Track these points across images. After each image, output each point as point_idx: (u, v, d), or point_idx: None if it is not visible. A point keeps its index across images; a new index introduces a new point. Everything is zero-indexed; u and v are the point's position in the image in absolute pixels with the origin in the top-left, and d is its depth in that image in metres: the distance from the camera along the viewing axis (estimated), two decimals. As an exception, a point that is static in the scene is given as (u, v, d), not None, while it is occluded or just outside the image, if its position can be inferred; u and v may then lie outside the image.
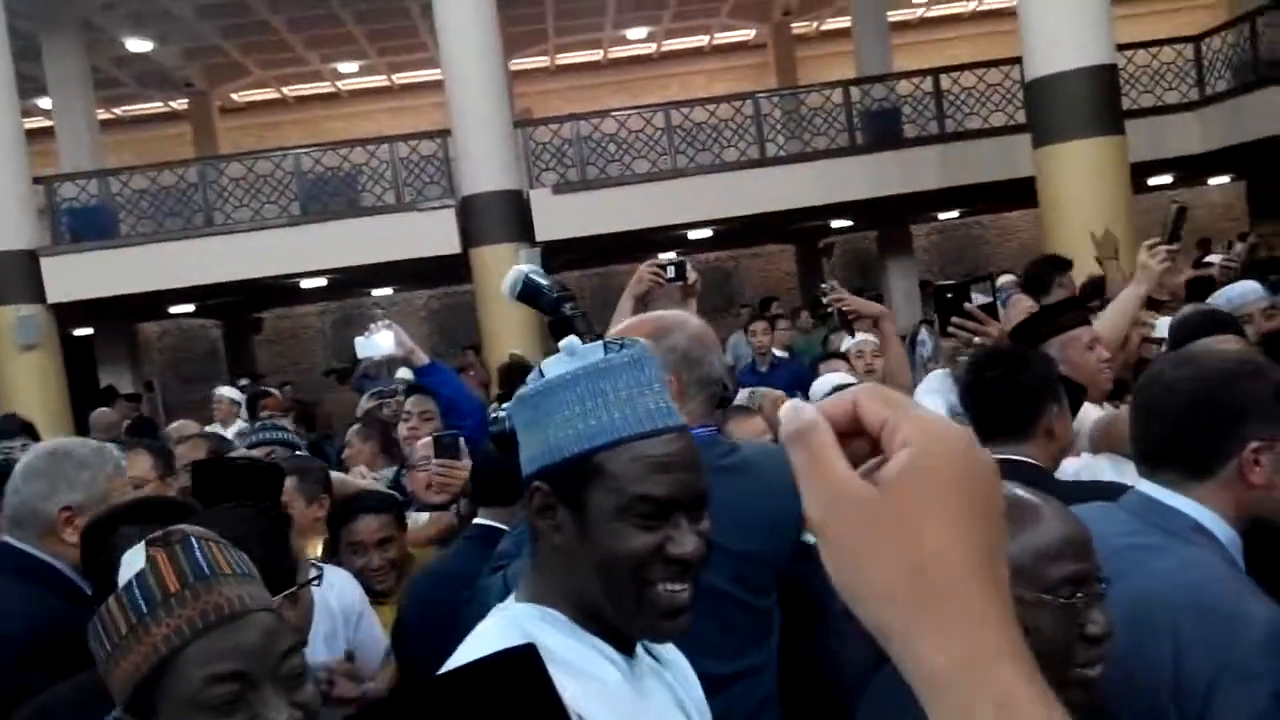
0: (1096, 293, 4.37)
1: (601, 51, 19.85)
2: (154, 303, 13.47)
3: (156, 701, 1.07)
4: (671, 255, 3.85)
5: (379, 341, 3.17)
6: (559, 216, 11.57)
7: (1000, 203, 15.66)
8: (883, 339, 3.39)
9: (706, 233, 13.93)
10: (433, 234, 11.58)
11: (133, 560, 1.10)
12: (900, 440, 0.49)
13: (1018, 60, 10.33)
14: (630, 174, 12.48)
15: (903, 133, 12.79)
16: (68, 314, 11.54)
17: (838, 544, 0.49)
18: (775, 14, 18.31)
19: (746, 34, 19.88)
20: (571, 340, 1.10)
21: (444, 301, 19.19)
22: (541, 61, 19.64)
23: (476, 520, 2.32)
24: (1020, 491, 1.23)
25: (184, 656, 1.06)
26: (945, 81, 12.80)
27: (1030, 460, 1.99)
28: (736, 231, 14.56)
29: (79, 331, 13.59)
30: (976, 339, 2.56)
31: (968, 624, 0.46)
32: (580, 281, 19.11)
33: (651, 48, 20.00)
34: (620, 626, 1.09)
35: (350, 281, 14.77)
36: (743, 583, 1.66)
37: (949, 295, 2.61)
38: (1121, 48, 9.97)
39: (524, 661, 0.62)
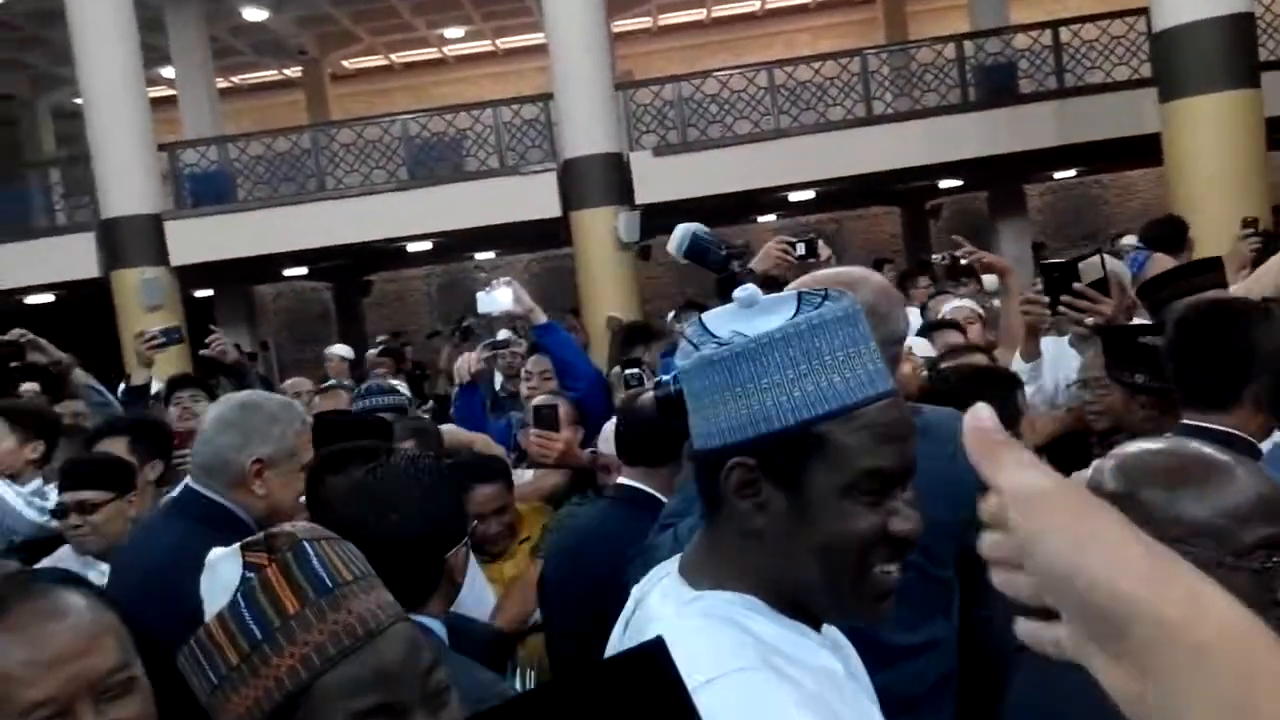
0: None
1: (704, 11, 19.58)
2: (269, 265, 13.97)
3: None
4: (787, 227, 3.79)
5: (499, 298, 3.22)
6: (659, 179, 11.52)
7: (1121, 161, 14.93)
8: (1006, 294, 3.43)
9: (809, 194, 13.67)
10: (534, 197, 11.67)
11: (224, 570, 0.93)
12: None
13: (1144, 11, 9.79)
14: (732, 135, 12.32)
15: (1018, 88, 12.27)
16: (189, 276, 12.06)
17: (1057, 531, 0.51)
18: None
19: (854, -11, 19.34)
20: (751, 290, 0.96)
21: (544, 265, 19.38)
22: (644, 22, 19.48)
23: (622, 481, 2.28)
24: (1209, 450, 1.13)
25: (318, 690, 0.89)
26: (1065, 34, 12.23)
27: (1234, 431, 1.84)
28: (840, 193, 14.25)
29: (200, 293, 14.20)
30: (1089, 320, 2.41)
31: (1213, 597, 0.48)
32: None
33: (755, 6, 19.64)
34: (826, 611, 0.99)
35: (454, 245, 15.03)
36: (925, 552, 1.55)
37: (1056, 274, 2.43)
38: (1260, -7, 9.34)
39: (654, 659, 0.60)
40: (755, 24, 20.06)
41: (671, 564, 1.06)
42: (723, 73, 12.88)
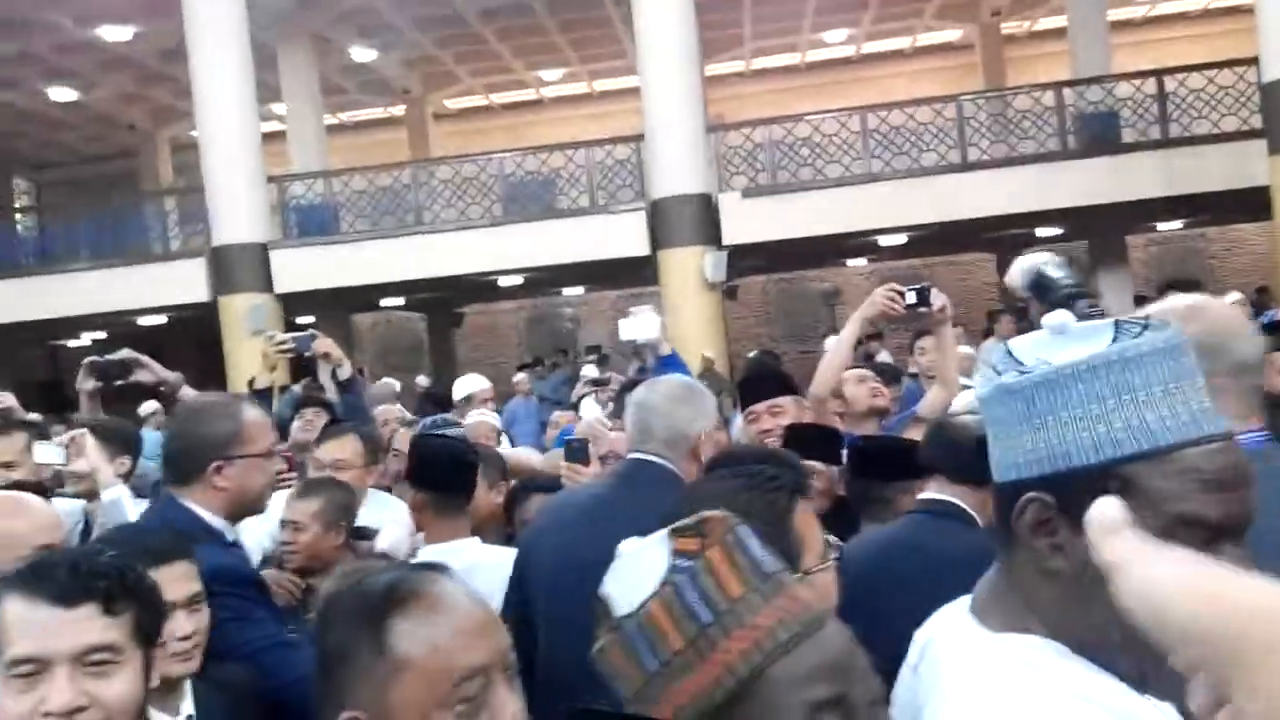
0: None
1: (799, 55, 19.68)
2: (367, 295, 14.41)
3: None
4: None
5: (643, 325, 3.30)
6: (747, 220, 11.57)
7: (1228, 214, 14.44)
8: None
9: (900, 239, 13.55)
10: (623, 236, 11.84)
11: (647, 557, 0.91)
12: None
13: (1253, 61, 9.51)
14: (822, 178, 12.32)
15: (1120, 137, 12.02)
16: (292, 303, 12.52)
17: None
18: (984, 14, 17.59)
19: (952, 35, 19.20)
20: (1062, 319, 0.90)
21: (630, 302, 19.53)
22: (737, 66, 19.66)
23: (932, 495, 2.24)
24: None
25: (771, 677, 0.86)
26: (1170, 83, 11.95)
27: None
28: (932, 238, 14.09)
29: (301, 319, 14.72)
30: None
31: None
32: (765, 287, 19.04)
33: (851, 50, 19.65)
34: (1126, 678, 0.88)
35: (544, 280, 15.30)
36: None
37: None
38: (1381, 43, 8.99)
39: None
40: (850, 68, 20.06)
41: (959, 605, 0.99)
42: (815, 116, 12.92)
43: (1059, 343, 0.88)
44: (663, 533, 0.92)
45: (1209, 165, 10.90)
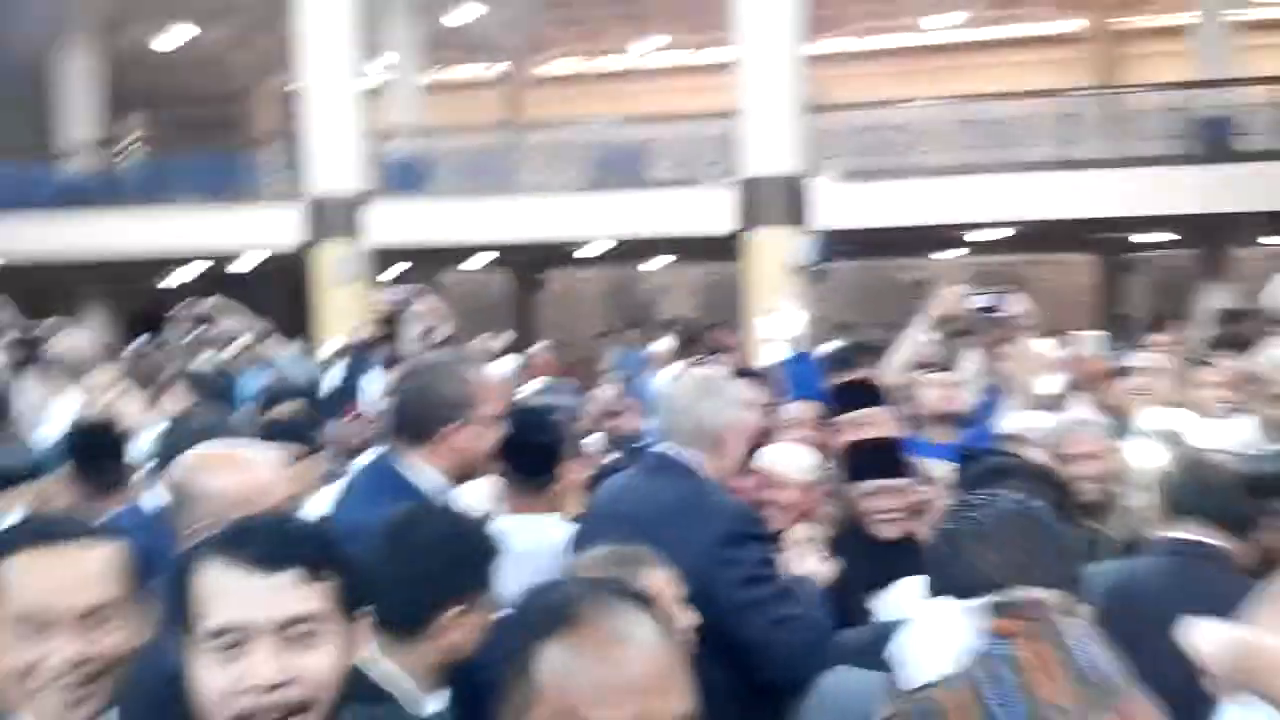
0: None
1: (906, 38, 19.19)
2: (453, 254, 14.57)
3: None
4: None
5: (785, 323, 3.25)
6: (840, 205, 11.36)
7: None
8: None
9: (995, 234, 13.18)
10: (711, 212, 11.72)
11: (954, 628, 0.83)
12: None
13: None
14: (920, 167, 12.01)
15: (1242, 144, 11.45)
16: (381, 256, 12.72)
17: None
18: (1101, 7, 16.92)
19: (1067, 26, 18.50)
20: None
21: (711, 279, 19.41)
22: (843, 46, 19.25)
23: (1187, 535, 2.11)
24: None
25: None
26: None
27: None
28: (1029, 236, 13.66)
29: (388, 273, 14.95)
30: None
31: None
32: (852, 274, 18.69)
33: (959, 36, 19.08)
34: None
35: (628, 251, 15.27)
36: None
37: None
38: None
39: None
40: (957, 54, 19.47)
41: None
42: (918, 103, 12.59)
43: None
44: (980, 602, 0.82)
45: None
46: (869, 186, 11.65)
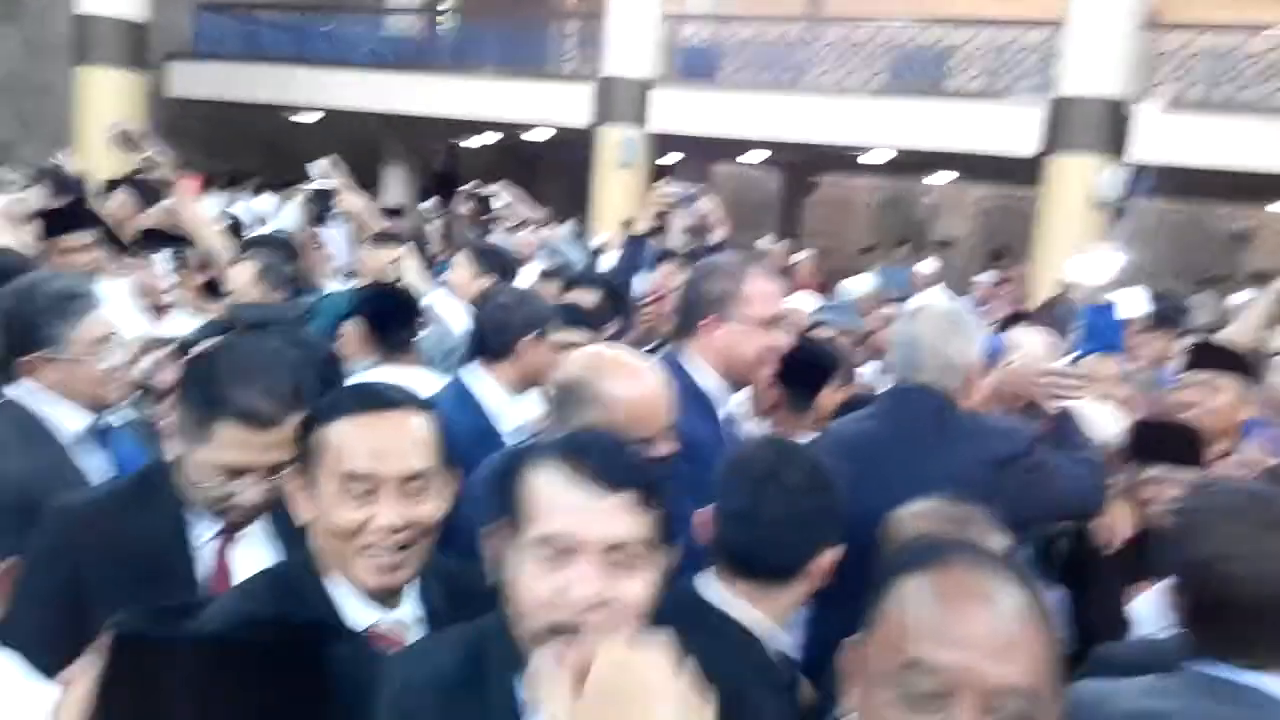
0: None
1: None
2: (729, 147, 14.46)
3: None
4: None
5: (1098, 268, 3.08)
6: (1164, 137, 10.20)
7: None
8: None
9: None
10: (1012, 131, 10.88)
11: None
12: None
13: None
14: (1266, 104, 10.52)
15: None
16: (660, 143, 12.82)
17: None
18: None
19: None
20: None
21: (996, 203, 18.21)
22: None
23: None
24: None
25: None
26: None
27: None
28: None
29: (664, 160, 15.12)
30: None
31: None
32: (1163, 215, 16.96)
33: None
34: None
35: (910, 163, 14.55)
36: None
37: None
38: None
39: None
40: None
41: None
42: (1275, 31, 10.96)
43: None
44: None
45: None
46: (1201, 119, 10.36)
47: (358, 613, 1.30)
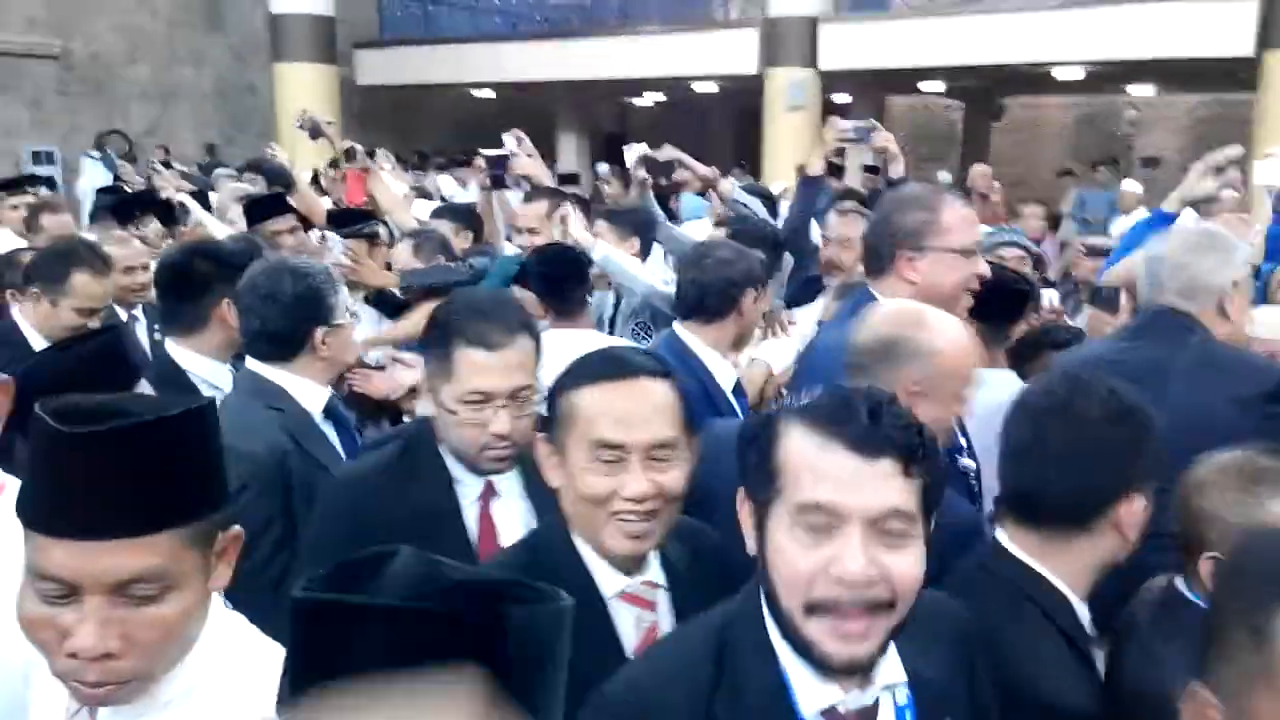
0: None
1: None
2: (907, 77, 13.87)
3: None
4: None
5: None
6: None
7: None
8: None
9: None
10: (1220, 28, 9.91)
11: None
12: None
13: None
14: None
15: None
16: (832, 81, 12.46)
17: None
18: None
19: None
20: None
21: (1212, 110, 16.65)
22: None
23: None
24: None
25: None
26: None
27: None
28: None
29: (837, 97, 14.68)
30: None
31: None
32: None
33: None
34: None
35: (1107, 75, 13.51)
36: None
37: None
38: None
39: None
40: None
41: None
42: None
43: None
44: None
45: None
46: None
47: (606, 577, 1.33)
